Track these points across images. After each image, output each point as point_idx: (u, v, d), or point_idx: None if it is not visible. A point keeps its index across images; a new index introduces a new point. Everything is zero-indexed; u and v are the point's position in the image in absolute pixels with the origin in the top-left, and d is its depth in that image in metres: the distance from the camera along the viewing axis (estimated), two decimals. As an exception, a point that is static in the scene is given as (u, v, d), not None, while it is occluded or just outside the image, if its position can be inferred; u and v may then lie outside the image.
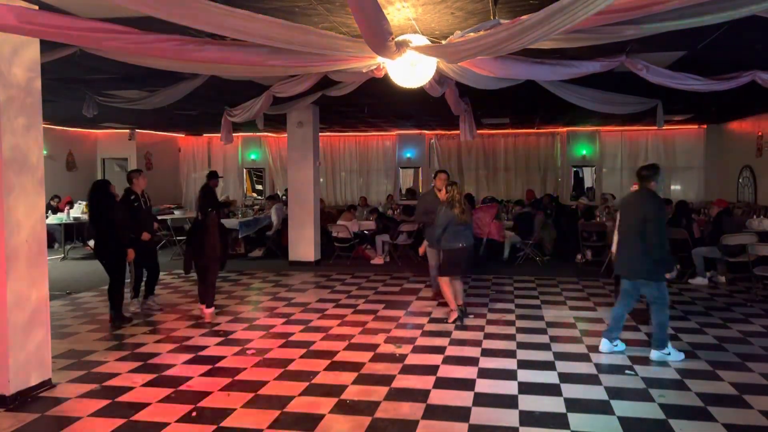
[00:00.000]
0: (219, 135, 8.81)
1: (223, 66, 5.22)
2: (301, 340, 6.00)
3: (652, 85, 5.79)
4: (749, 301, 7.63)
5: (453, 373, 4.96)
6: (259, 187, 18.42)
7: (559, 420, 4.01)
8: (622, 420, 4.01)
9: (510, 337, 6.01)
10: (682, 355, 5.27)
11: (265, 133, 16.66)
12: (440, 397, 4.43)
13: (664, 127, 13.76)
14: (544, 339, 5.95)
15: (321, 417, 4.09)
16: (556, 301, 7.68)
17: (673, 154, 15.49)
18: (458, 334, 6.13)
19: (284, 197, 13.64)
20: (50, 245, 9.66)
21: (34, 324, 4.55)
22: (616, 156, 15.85)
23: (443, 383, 4.73)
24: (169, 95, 7.11)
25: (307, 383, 4.74)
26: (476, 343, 5.80)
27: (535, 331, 6.26)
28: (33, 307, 4.55)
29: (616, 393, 4.48)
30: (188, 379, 4.87)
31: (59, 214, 12.28)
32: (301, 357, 5.44)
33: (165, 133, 16.83)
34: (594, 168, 16.11)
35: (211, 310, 6.87)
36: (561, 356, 5.38)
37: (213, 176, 11.12)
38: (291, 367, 5.17)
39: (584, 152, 15.89)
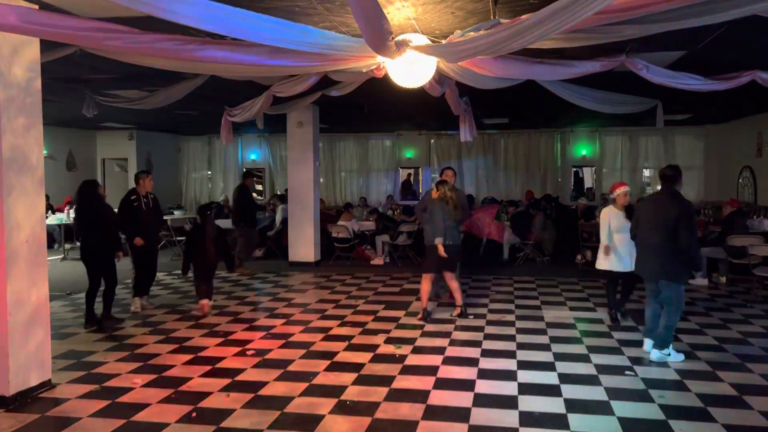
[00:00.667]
0: (219, 135, 8.79)
1: (223, 66, 5.22)
2: (301, 340, 6.00)
3: (652, 85, 5.78)
4: (749, 301, 7.62)
5: (453, 374, 4.96)
6: (259, 187, 18.41)
7: (559, 420, 4.00)
8: (622, 420, 4.00)
9: (510, 338, 6.00)
10: (681, 357, 5.27)
11: (266, 133, 16.65)
12: (440, 398, 4.42)
13: (664, 127, 13.79)
14: (544, 339, 5.94)
15: (321, 417, 4.08)
16: (556, 302, 7.68)
17: (673, 154, 15.46)
18: (458, 335, 6.13)
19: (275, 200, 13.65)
20: (50, 245, 9.66)
21: (34, 324, 4.55)
22: (616, 156, 15.84)
23: (443, 384, 4.73)
24: (169, 95, 7.11)
25: (307, 383, 4.74)
26: (476, 344, 5.80)
27: (535, 331, 6.26)
28: (33, 308, 4.54)
29: (616, 393, 4.48)
30: (188, 379, 4.87)
31: (59, 214, 12.27)
32: (301, 357, 5.44)
33: (165, 133, 16.83)
34: (594, 168, 16.11)
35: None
36: (561, 357, 5.37)
37: (248, 175, 10.69)
38: (291, 367, 5.17)
39: (584, 152, 15.88)
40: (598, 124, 14.83)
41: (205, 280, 7.03)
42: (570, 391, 4.54)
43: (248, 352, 5.60)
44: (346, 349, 5.69)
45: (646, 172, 16.10)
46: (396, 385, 4.71)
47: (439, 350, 5.60)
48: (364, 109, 11.33)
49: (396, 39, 4.18)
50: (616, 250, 6.39)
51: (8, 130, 4.31)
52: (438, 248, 6.51)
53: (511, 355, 5.46)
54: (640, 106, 7.28)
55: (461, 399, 4.39)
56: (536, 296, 8.01)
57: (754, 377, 4.85)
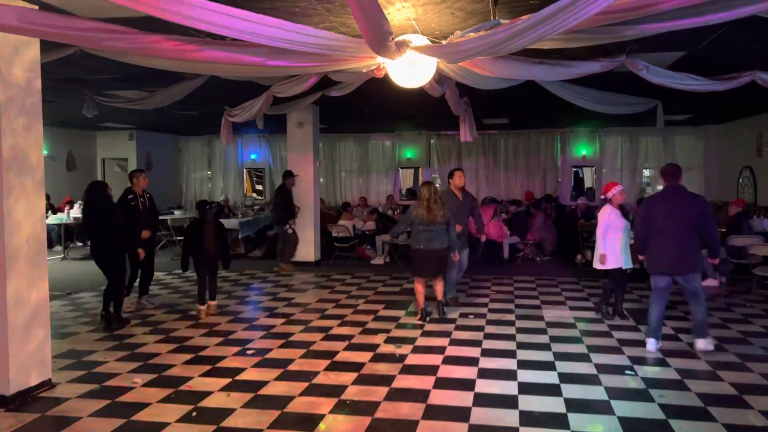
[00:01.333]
0: (219, 135, 8.80)
1: (223, 66, 5.23)
2: (301, 340, 6.00)
3: (652, 86, 5.79)
4: (749, 301, 7.62)
5: (453, 374, 4.96)
6: (259, 187, 18.41)
7: (559, 420, 4.01)
8: (622, 420, 4.01)
9: (510, 338, 6.01)
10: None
11: (266, 133, 16.65)
12: (440, 398, 4.43)
13: (664, 127, 13.78)
14: (544, 339, 5.95)
15: (321, 417, 4.09)
16: (556, 301, 7.68)
17: (673, 154, 15.46)
18: (458, 335, 6.13)
19: None
20: (49, 245, 9.68)
21: (34, 324, 4.55)
22: (616, 156, 15.83)
23: (443, 383, 4.73)
24: (169, 95, 7.11)
25: (307, 383, 4.74)
26: (476, 344, 5.80)
27: (535, 331, 6.26)
28: (33, 307, 4.55)
29: (616, 393, 4.48)
30: (188, 379, 4.87)
31: (59, 214, 12.28)
32: (301, 357, 5.44)
33: (165, 133, 16.83)
34: (594, 168, 16.11)
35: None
36: (561, 356, 5.38)
37: (288, 175, 10.34)
38: (291, 367, 5.17)
39: (584, 152, 15.87)
40: (598, 124, 14.83)
41: (208, 277, 6.98)
42: (570, 390, 4.54)
43: (248, 352, 5.60)
44: (347, 348, 5.69)
45: (646, 172, 16.10)
46: (396, 384, 4.71)
47: (439, 350, 5.61)
48: (364, 109, 11.33)
49: (396, 39, 4.18)
50: (616, 249, 6.44)
51: (8, 130, 4.31)
52: (415, 252, 6.47)
53: (511, 354, 5.46)
54: (640, 106, 7.29)
55: (461, 398, 4.39)
56: (536, 296, 8.02)
57: (754, 377, 4.85)
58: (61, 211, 12.37)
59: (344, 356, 5.45)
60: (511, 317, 6.84)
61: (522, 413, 4.12)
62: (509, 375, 4.90)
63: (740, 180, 13.33)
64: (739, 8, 3.51)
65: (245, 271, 10.13)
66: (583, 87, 6.74)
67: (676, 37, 4.75)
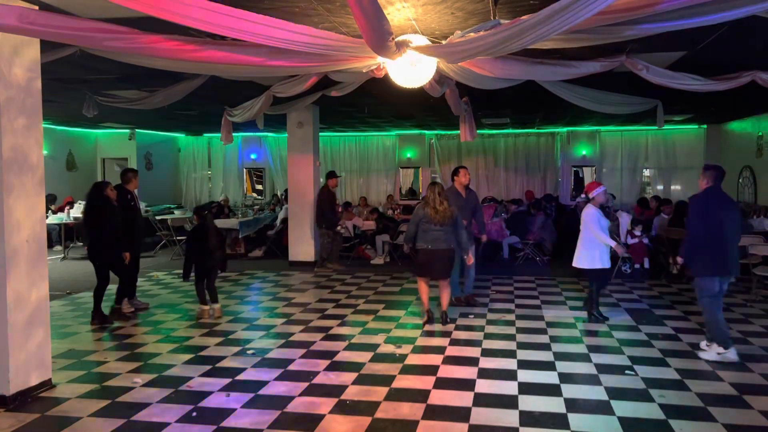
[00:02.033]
0: (219, 135, 8.81)
1: (223, 66, 5.22)
2: (301, 340, 6.00)
3: (652, 85, 5.79)
4: (749, 301, 7.62)
5: (453, 374, 4.96)
6: (259, 187, 18.42)
7: (559, 420, 4.01)
8: (622, 420, 4.01)
9: (510, 337, 6.01)
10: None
11: (266, 133, 16.66)
12: (440, 397, 4.43)
13: (664, 127, 13.79)
14: (544, 339, 5.95)
15: (321, 417, 4.09)
16: (556, 301, 7.68)
17: (673, 154, 15.48)
18: (458, 334, 6.13)
19: (283, 198, 13.66)
20: (49, 245, 9.68)
21: (34, 324, 4.56)
22: (616, 156, 15.85)
23: (443, 383, 4.73)
24: (169, 95, 7.11)
25: (307, 383, 4.74)
26: (476, 343, 5.80)
27: (535, 331, 6.26)
28: (33, 307, 4.55)
29: (616, 393, 4.48)
30: (188, 379, 4.87)
31: (59, 214, 12.28)
32: (301, 357, 5.44)
33: (165, 133, 16.84)
34: (594, 168, 16.11)
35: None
36: (561, 356, 5.38)
37: (332, 176, 10.27)
38: (291, 367, 5.17)
39: (584, 152, 15.89)
40: (598, 124, 14.84)
41: (207, 281, 6.96)
42: (570, 390, 4.54)
43: (248, 352, 5.60)
44: (347, 348, 5.69)
45: (646, 172, 16.12)
46: (396, 384, 4.71)
47: (439, 350, 5.61)
48: (364, 109, 11.34)
49: (396, 39, 4.18)
50: (600, 247, 6.44)
51: (8, 130, 4.31)
52: (420, 252, 6.42)
53: (511, 354, 5.46)
54: (640, 106, 7.29)
55: (461, 398, 4.39)
56: (536, 296, 8.02)
57: (754, 377, 4.85)
58: (62, 210, 12.37)
59: (344, 356, 5.45)
60: (511, 317, 6.84)
61: (522, 413, 4.12)
62: (509, 375, 4.89)
63: (740, 180, 13.33)
64: (739, 8, 3.51)
65: (245, 271, 10.13)
66: (583, 87, 6.74)
67: (676, 37, 4.75)
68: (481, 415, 4.09)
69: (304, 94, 7.21)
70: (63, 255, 11.92)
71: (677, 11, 3.61)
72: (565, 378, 4.81)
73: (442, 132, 16.40)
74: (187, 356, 5.48)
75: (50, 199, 12.92)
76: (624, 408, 4.21)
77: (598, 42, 4.47)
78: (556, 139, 15.99)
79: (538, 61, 5.35)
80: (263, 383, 4.75)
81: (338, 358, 5.40)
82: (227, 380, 4.83)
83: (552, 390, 4.56)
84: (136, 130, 15.28)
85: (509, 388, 4.61)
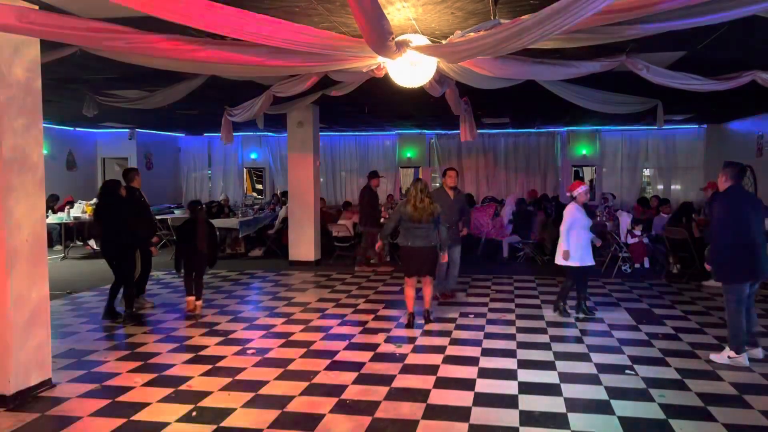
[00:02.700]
0: (219, 134, 8.80)
1: (223, 66, 5.23)
2: (302, 339, 6.00)
3: (652, 85, 5.79)
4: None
5: (453, 373, 4.96)
6: (259, 186, 18.41)
7: (559, 420, 4.01)
8: (622, 420, 4.01)
9: (510, 337, 6.01)
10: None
11: (266, 133, 16.66)
12: (440, 397, 4.43)
13: (664, 127, 13.77)
14: (544, 339, 5.95)
15: (321, 417, 4.09)
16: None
17: (673, 154, 15.47)
18: (458, 334, 6.14)
19: (283, 198, 13.65)
20: (50, 245, 9.68)
21: (34, 324, 4.56)
22: (616, 156, 15.84)
23: (443, 383, 4.73)
24: (169, 95, 7.11)
25: (307, 383, 4.74)
26: (476, 343, 5.80)
27: (535, 331, 6.26)
28: (33, 307, 4.55)
29: (616, 393, 4.49)
30: (188, 379, 4.87)
31: (60, 214, 12.28)
32: (301, 357, 5.44)
33: (165, 133, 16.84)
34: (594, 168, 16.11)
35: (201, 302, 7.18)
36: (561, 356, 5.38)
37: (374, 176, 10.18)
38: (291, 366, 5.17)
39: (584, 152, 15.88)
40: (598, 124, 14.84)
41: (195, 275, 7.02)
42: (570, 390, 4.54)
43: (248, 351, 5.60)
44: (347, 348, 5.69)
45: (646, 172, 16.11)
46: (396, 384, 4.72)
47: (440, 349, 5.61)
48: (364, 109, 11.33)
49: (396, 39, 4.18)
50: (581, 245, 6.57)
51: (8, 130, 4.31)
52: (404, 249, 6.47)
53: (511, 354, 5.46)
54: (640, 106, 7.28)
55: (461, 398, 4.39)
56: (536, 296, 8.02)
57: (754, 376, 4.85)
58: (62, 210, 12.37)
59: (344, 356, 5.45)
60: (511, 317, 6.84)
61: (522, 413, 4.12)
62: (509, 375, 4.90)
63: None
64: (739, 8, 3.51)
65: (245, 271, 10.13)
66: (583, 87, 6.74)
67: (676, 37, 4.75)
68: (481, 415, 4.09)
69: (304, 93, 7.21)
70: (63, 255, 11.92)
71: (677, 11, 3.61)
72: (565, 378, 4.81)
73: (442, 132, 16.39)
74: (187, 356, 5.48)
75: (53, 200, 12.94)
76: (624, 408, 4.21)
77: (598, 42, 4.48)
78: (556, 139, 15.98)
79: (538, 61, 5.35)
80: (263, 383, 4.75)
81: (338, 357, 5.40)
82: (227, 380, 4.83)
83: (552, 390, 4.56)
84: (136, 130, 15.27)
85: (509, 387, 4.61)
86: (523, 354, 5.45)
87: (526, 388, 4.59)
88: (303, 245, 10.76)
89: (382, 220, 11.53)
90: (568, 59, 5.51)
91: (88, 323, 6.71)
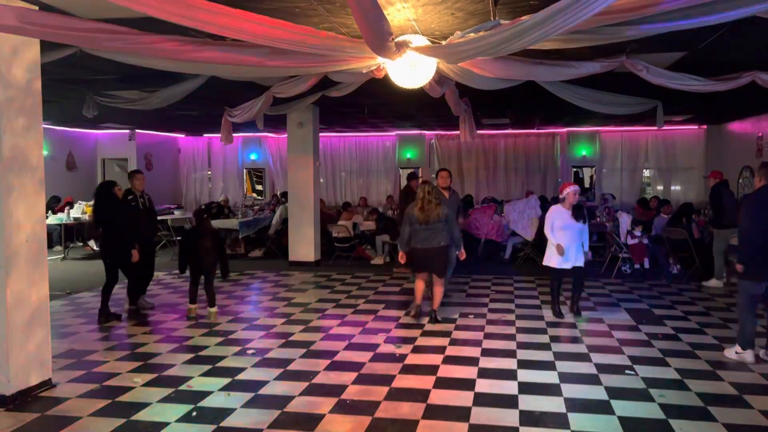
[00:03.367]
0: (219, 135, 8.80)
1: (223, 66, 5.22)
2: (301, 340, 6.00)
3: (652, 86, 5.79)
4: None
5: (453, 373, 4.96)
6: (259, 187, 18.41)
7: (559, 420, 4.01)
8: (622, 420, 4.01)
9: (510, 337, 6.01)
10: None
11: (265, 133, 16.66)
12: (440, 397, 4.43)
13: (664, 128, 13.78)
14: (544, 339, 5.95)
15: (321, 417, 4.09)
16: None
17: (673, 154, 15.47)
18: (458, 334, 6.14)
19: (283, 199, 13.64)
20: (49, 245, 9.68)
21: (34, 324, 4.56)
22: (616, 156, 15.84)
23: (443, 383, 4.73)
24: (169, 95, 7.11)
25: (307, 383, 4.74)
26: (476, 343, 5.80)
27: (535, 331, 6.26)
28: (33, 307, 4.55)
29: (616, 393, 4.49)
30: (188, 379, 4.87)
31: (59, 214, 12.28)
32: (301, 357, 5.44)
33: (165, 133, 16.84)
34: (594, 168, 16.11)
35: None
36: (561, 356, 5.38)
37: (413, 177, 9.93)
38: (291, 367, 5.17)
39: (584, 152, 15.88)
40: (597, 125, 14.84)
41: (205, 282, 6.90)
42: (570, 390, 4.54)
43: (248, 352, 5.60)
44: (347, 348, 5.69)
45: (646, 172, 16.11)
46: (396, 384, 4.72)
47: (440, 349, 5.61)
48: (364, 109, 11.34)
49: (396, 40, 4.19)
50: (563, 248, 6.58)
51: (8, 131, 4.32)
52: (412, 251, 6.53)
53: (511, 354, 5.46)
54: (640, 106, 7.28)
55: (461, 398, 4.39)
56: (536, 296, 8.02)
57: (754, 376, 4.85)
58: (61, 211, 12.38)
59: (344, 356, 5.45)
60: (511, 317, 6.84)
61: (522, 413, 4.12)
62: (509, 375, 4.90)
63: (740, 180, 13.33)
64: (739, 8, 3.51)
65: (245, 271, 10.14)
66: (583, 87, 6.74)
67: (676, 37, 4.74)
68: (482, 415, 4.09)
69: (304, 94, 7.21)
70: (63, 255, 11.92)
71: (677, 11, 3.61)
72: (565, 378, 4.81)
73: (442, 132, 16.39)
74: (187, 356, 5.48)
75: (54, 202, 12.94)
76: (624, 408, 4.21)
77: (598, 42, 4.47)
78: (556, 139, 15.99)
79: (538, 61, 5.35)
80: (263, 383, 4.75)
81: (338, 357, 5.40)
82: (227, 380, 4.83)
83: (552, 390, 4.56)
84: (136, 130, 15.27)
85: (509, 387, 4.61)
86: (523, 354, 5.45)
87: (526, 388, 4.59)
88: (303, 246, 10.76)
89: (366, 222, 11.55)
90: (568, 60, 5.51)
91: (88, 323, 6.71)
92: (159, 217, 12.45)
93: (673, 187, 15.64)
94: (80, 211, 12.21)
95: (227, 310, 7.34)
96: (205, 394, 4.52)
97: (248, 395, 4.50)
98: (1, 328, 4.33)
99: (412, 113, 12.10)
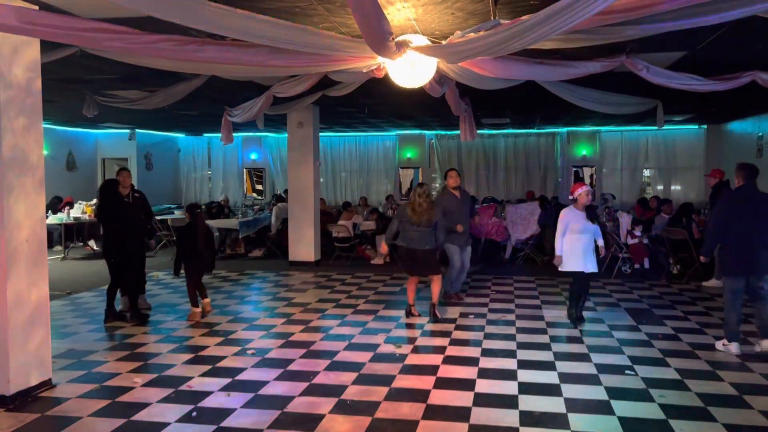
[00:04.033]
0: (219, 135, 8.80)
1: (223, 66, 5.23)
2: (302, 340, 6.00)
3: (652, 86, 5.79)
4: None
5: (453, 373, 4.96)
6: (259, 187, 18.41)
7: (559, 420, 4.01)
8: (622, 420, 4.01)
9: (510, 337, 6.01)
10: None
11: (266, 133, 16.67)
12: (440, 397, 4.43)
13: (664, 128, 13.78)
14: (544, 339, 5.95)
15: (321, 417, 4.09)
16: (556, 301, 7.68)
17: (673, 154, 15.48)
18: (458, 335, 6.14)
19: (273, 200, 13.65)
20: (50, 245, 9.69)
21: (34, 324, 4.55)
22: (616, 156, 15.85)
23: (443, 383, 4.73)
24: (169, 95, 7.11)
25: (307, 383, 4.74)
26: (476, 343, 5.80)
27: (535, 331, 6.26)
28: (33, 307, 4.55)
29: (616, 393, 4.49)
30: (188, 379, 4.87)
31: (59, 214, 12.28)
32: (301, 357, 5.44)
33: (165, 133, 16.84)
34: (594, 168, 16.12)
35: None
36: (561, 356, 5.38)
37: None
38: (291, 367, 5.17)
39: (584, 152, 15.89)
40: (598, 124, 14.85)
41: (196, 281, 6.91)
42: (570, 390, 4.54)
43: (248, 352, 5.60)
44: (347, 348, 5.69)
45: (646, 172, 16.12)
46: (396, 384, 4.72)
47: (440, 349, 5.61)
48: (364, 109, 11.34)
49: (396, 40, 4.18)
50: (575, 251, 6.29)
51: (8, 130, 4.31)
52: (401, 249, 6.65)
53: (511, 354, 5.46)
54: (640, 106, 7.29)
55: (461, 398, 4.39)
56: (536, 296, 8.02)
57: (754, 377, 4.85)
58: (61, 211, 12.38)
59: (344, 356, 5.45)
60: (511, 317, 6.84)
61: (522, 413, 4.12)
62: (509, 375, 4.90)
63: (740, 180, 13.32)
64: (739, 8, 3.51)
65: (245, 271, 10.13)
66: (583, 87, 6.74)
67: (676, 37, 4.75)
68: (482, 415, 4.09)
69: (304, 94, 7.21)
70: (63, 255, 11.92)
71: (677, 11, 3.61)
72: (565, 378, 4.81)
73: (442, 132, 16.40)
74: (187, 356, 5.48)
75: (55, 202, 12.93)
76: (624, 408, 4.21)
77: (598, 42, 4.47)
78: (556, 139, 15.99)
79: (538, 61, 5.35)
80: (263, 383, 4.75)
81: (338, 358, 5.40)
82: (227, 380, 4.83)
83: (552, 390, 4.56)
84: (136, 130, 15.27)
85: (509, 388, 4.61)
86: (523, 354, 5.45)
87: (526, 388, 4.59)
88: (303, 246, 10.76)
89: (366, 222, 11.58)
90: (568, 60, 5.50)
91: (88, 323, 6.71)
92: (158, 217, 12.50)
93: (673, 187, 15.64)
94: (80, 210, 12.20)
95: (227, 310, 7.34)
96: (205, 394, 4.52)
97: (248, 395, 4.50)
98: (1, 328, 4.32)
99: (412, 113, 12.10)
